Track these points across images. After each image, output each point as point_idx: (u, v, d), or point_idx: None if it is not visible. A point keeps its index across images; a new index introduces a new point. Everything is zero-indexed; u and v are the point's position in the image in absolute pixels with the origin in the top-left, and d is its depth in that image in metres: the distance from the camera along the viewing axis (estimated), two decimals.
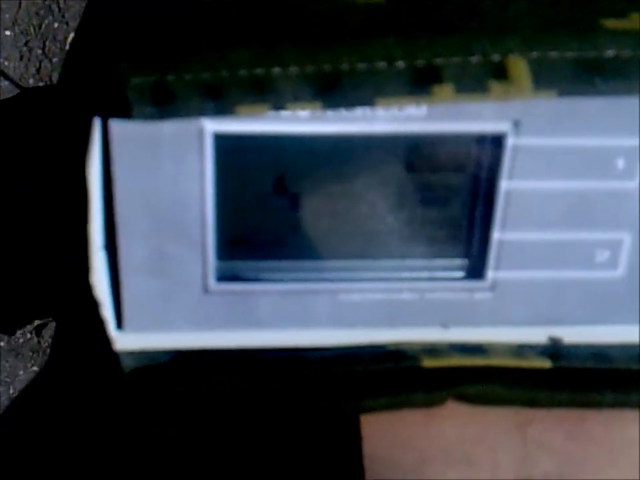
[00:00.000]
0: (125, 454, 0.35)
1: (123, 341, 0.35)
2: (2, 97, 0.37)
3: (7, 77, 0.37)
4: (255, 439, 0.35)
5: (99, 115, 0.32)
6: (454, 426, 0.36)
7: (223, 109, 0.32)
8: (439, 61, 0.32)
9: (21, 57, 0.36)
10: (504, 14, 0.34)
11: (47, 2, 0.36)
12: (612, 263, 0.36)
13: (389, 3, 0.35)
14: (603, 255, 0.36)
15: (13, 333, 0.41)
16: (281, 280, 0.36)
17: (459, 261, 0.36)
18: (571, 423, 0.36)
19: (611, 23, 0.33)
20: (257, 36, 0.33)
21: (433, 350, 0.36)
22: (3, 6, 0.37)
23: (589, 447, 0.36)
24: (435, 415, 0.35)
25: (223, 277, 0.35)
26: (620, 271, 0.36)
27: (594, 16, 0.34)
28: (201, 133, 0.32)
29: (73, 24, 0.35)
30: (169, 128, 0.32)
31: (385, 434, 0.35)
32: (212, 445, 0.35)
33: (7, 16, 0.37)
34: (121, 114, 0.32)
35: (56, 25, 0.36)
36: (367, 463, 0.34)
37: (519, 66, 0.32)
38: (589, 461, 0.36)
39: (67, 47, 0.35)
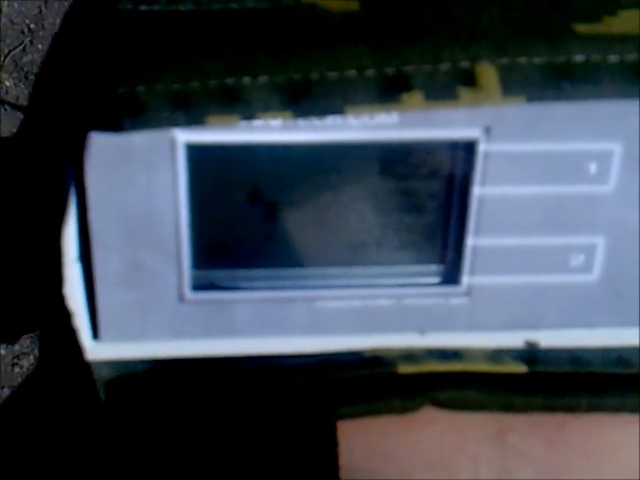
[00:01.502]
0: (103, 465, 0.35)
1: (99, 351, 0.35)
2: None
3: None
4: (232, 448, 0.35)
5: (71, 127, 0.32)
6: (433, 434, 0.36)
7: (193, 119, 0.32)
8: (408, 68, 0.32)
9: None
10: (477, 21, 0.34)
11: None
12: (587, 267, 0.36)
13: (364, 11, 0.35)
14: (577, 259, 0.36)
15: None
16: (257, 288, 0.36)
17: (434, 267, 0.36)
18: (551, 430, 0.36)
19: (582, 28, 0.33)
20: (229, 46, 0.33)
21: (409, 356, 0.36)
22: None
23: (568, 453, 0.36)
24: (414, 422, 0.35)
25: (198, 286, 0.35)
26: (595, 275, 0.36)
27: (567, 21, 0.34)
28: (172, 144, 0.33)
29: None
30: (141, 139, 0.32)
31: (363, 443, 0.35)
32: (189, 454, 0.35)
33: None
34: (92, 126, 0.32)
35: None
36: (343, 473, 0.34)
37: (488, 72, 0.32)
38: (568, 468, 0.36)
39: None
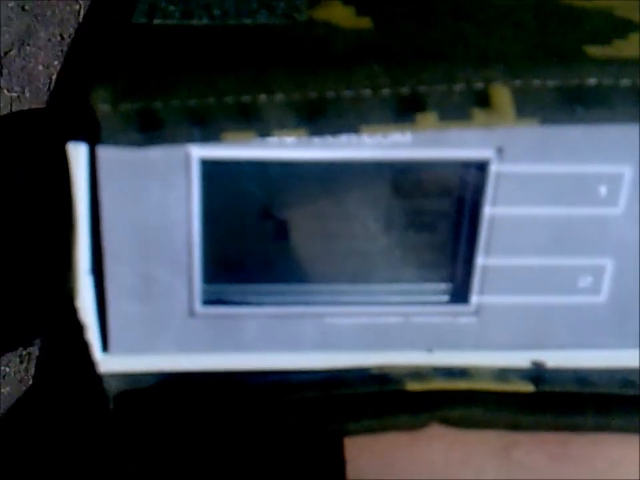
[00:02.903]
0: (110, 477, 0.35)
1: (109, 363, 0.35)
2: None
3: None
4: (239, 462, 0.35)
5: (86, 141, 0.32)
6: (439, 449, 0.36)
7: (209, 135, 0.32)
8: (422, 89, 0.32)
9: None
10: (489, 41, 0.34)
11: None
12: (595, 289, 0.36)
13: (376, 28, 0.35)
14: (585, 281, 0.36)
15: None
16: (267, 303, 0.36)
17: (443, 286, 0.36)
18: (555, 446, 0.36)
19: (594, 50, 0.34)
20: (244, 62, 0.33)
21: (417, 373, 0.36)
22: None
23: (572, 469, 0.36)
24: (420, 438, 0.35)
25: (208, 301, 0.35)
26: (602, 297, 0.36)
27: (578, 43, 0.34)
28: (187, 159, 0.33)
29: None
30: (156, 154, 0.32)
31: (370, 458, 0.35)
32: (196, 468, 0.35)
33: None
34: (108, 140, 0.32)
35: None
36: None
37: (502, 94, 0.32)
38: None
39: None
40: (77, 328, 0.34)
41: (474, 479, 0.35)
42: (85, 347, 0.34)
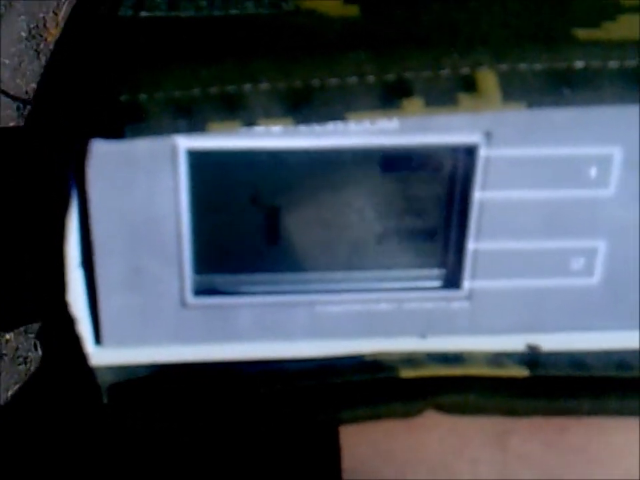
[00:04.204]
0: (105, 469, 0.35)
1: (101, 356, 0.35)
2: None
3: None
4: (234, 452, 0.35)
5: (73, 134, 0.32)
6: (435, 437, 0.36)
7: (195, 126, 0.32)
8: (408, 75, 0.32)
9: None
10: (476, 26, 0.34)
11: None
12: (587, 271, 0.36)
13: (363, 16, 0.35)
14: (578, 263, 0.36)
15: None
16: (258, 292, 0.36)
17: (435, 271, 0.36)
18: (551, 433, 0.36)
19: (582, 33, 0.33)
20: (229, 52, 0.33)
21: (410, 360, 0.36)
22: None
23: (569, 457, 0.36)
24: (416, 426, 0.35)
25: (200, 291, 0.35)
26: (596, 278, 0.36)
27: (566, 26, 0.34)
28: (174, 150, 0.33)
29: None
30: (143, 146, 0.32)
31: (365, 446, 0.35)
32: (191, 459, 0.35)
33: None
34: (93, 133, 0.32)
35: None
36: (346, 475, 0.34)
37: (488, 79, 0.32)
38: (569, 471, 0.36)
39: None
40: (69, 321, 0.34)
41: (469, 468, 0.35)
42: (77, 340, 0.34)
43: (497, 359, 0.36)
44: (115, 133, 0.32)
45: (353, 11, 0.35)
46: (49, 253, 0.33)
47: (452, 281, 0.36)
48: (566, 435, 0.36)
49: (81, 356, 0.34)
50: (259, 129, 0.33)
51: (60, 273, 0.33)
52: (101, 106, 0.32)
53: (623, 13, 0.35)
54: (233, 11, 0.35)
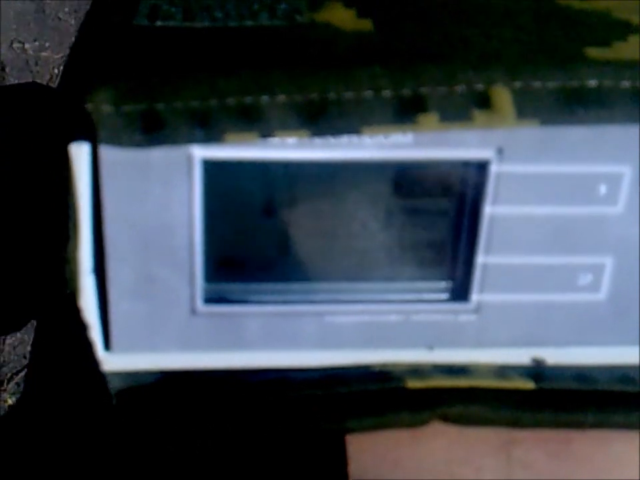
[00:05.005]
0: (112, 475, 0.35)
1: (111, 362, 0.36)
2: None
3: None
4: (241, 460, 0.35)
5: (89, 141, 0.32)
6: (441, 446, 0.36)
7: (211, 136, 0.32)
8: (424, 90, 0.32)
9: None
10: (489, 42, 0.34)
11: None
12: (595, 286, 0.36)
13: (377, 30, 0.35)
14: (585, 279, 0.36)
15: None
16: (268, 302, 0.36)
17: (444, 284, 0.37)
18: (556, 443, 0.36)
19: (594, 52, 0.34)
20: (246, 63, 0.33)
21: (417, 371, 0.36)
22: None
23: (572, 467, 0.36)
24: (422, 435, 0.36)
25: (210, 299, 0.36)
26: (602, 294, 0.37)
27: (578, 44, 0.34)
28: (189, 160, 0.33)
29: None
30: (158, 154, 0.33)
31: (372, 455, 0.36)
32: (198, 466, 0.35)
33: None
34: (110, 141, 0.32)
35: None
36: None
37: (502, 96, 0.32)
38: None
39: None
40: (80, 327, 0.34)
41: (474, 477, 0.36)
42: (88, 345, 0.34)
43: (503, 371, 0.37)
44: (131, 141, 0.32)
45: (366, 24, 0.36)
46: (48, 254, 0.33)
47: (460, 293, 0.36)
48: (570, 445, 0.36)
49: (92, 362, 0.35)
50: (274, 140, 0.33)
51: (60, 273, 0.33)
52: (116, 114, 0.32)
53: (633, 32, 0.35)
54: (248, 23, 0.36)
